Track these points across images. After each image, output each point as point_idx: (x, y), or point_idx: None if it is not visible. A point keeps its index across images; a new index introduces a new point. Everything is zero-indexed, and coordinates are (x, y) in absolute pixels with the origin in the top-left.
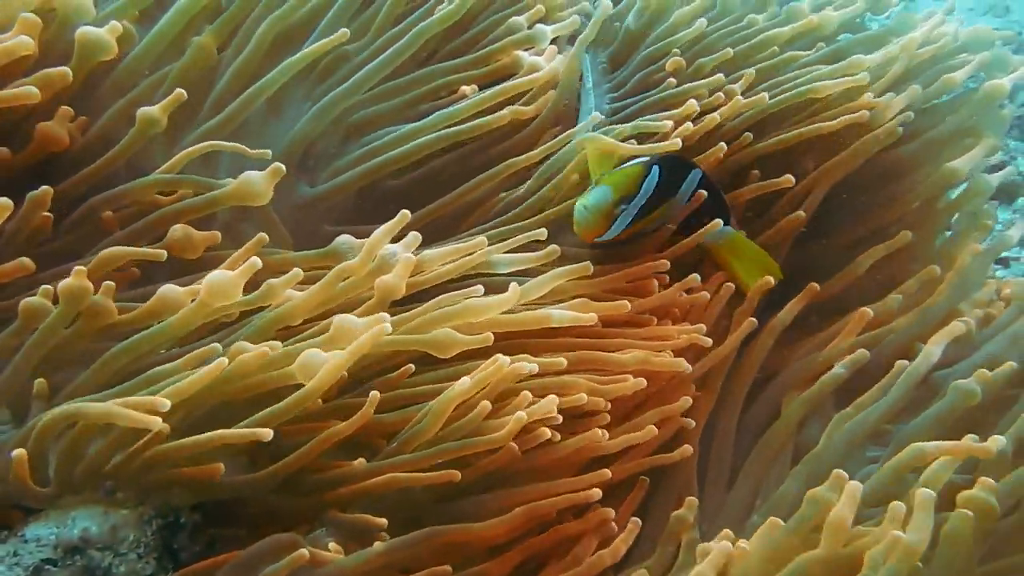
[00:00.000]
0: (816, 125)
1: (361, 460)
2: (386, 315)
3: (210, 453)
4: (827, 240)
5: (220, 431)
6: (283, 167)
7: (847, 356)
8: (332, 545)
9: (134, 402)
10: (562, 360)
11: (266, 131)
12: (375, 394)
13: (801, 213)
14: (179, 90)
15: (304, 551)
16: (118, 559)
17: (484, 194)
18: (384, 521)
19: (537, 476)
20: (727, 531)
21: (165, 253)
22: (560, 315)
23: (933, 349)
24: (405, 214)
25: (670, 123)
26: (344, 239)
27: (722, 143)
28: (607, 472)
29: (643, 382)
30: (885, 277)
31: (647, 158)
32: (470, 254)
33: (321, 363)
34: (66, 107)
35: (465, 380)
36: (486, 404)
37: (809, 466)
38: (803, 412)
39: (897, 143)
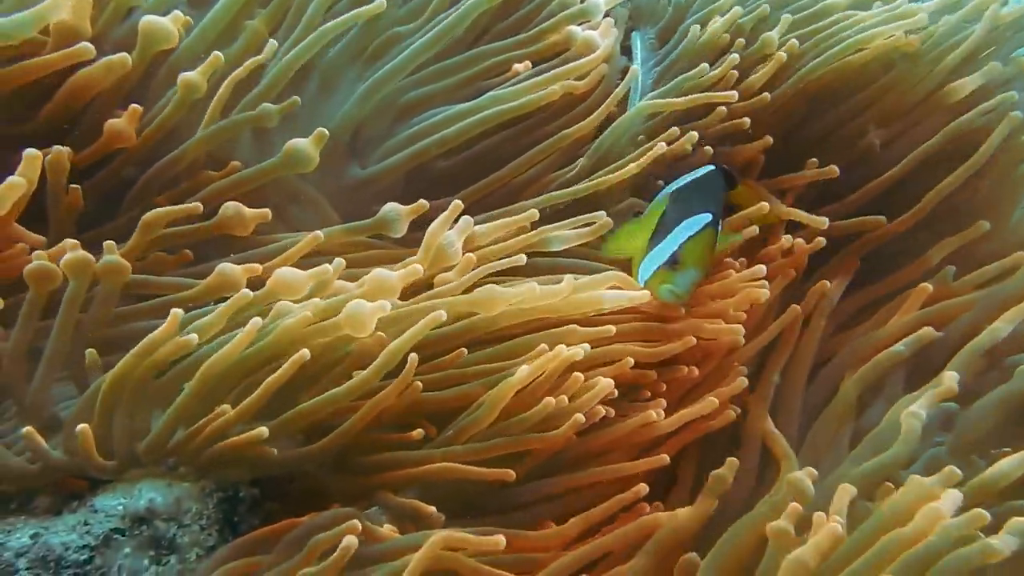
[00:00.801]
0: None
1: (419, 435)
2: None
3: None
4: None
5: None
6: (326, 132)
7: (908, 333)
8: (387, 525)
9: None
10: (611, 327)
11: (318, 112)
12: (414, 356)
13: (882, 218)
14: (216, 53)
15: (356, 522)
16: (182, 530)
17: (537, 172)
18: (432, 509)
19: (592, 460)
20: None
21: (200, 206)
22: (613, 296)
23: (1001, 326)
24: (458, 204)
25: (706, 67)
26: (391, 207)
27: (766, 94)
28: (665, 457)
29: (692, 340)
30: (957, 258)
31: (706, 214)
32: (523, 230)
33: (367, 313)
34: (136, 105)
35: (524, 368)
36: (549, 401)
37: (867, 448)
38: (859, 390)
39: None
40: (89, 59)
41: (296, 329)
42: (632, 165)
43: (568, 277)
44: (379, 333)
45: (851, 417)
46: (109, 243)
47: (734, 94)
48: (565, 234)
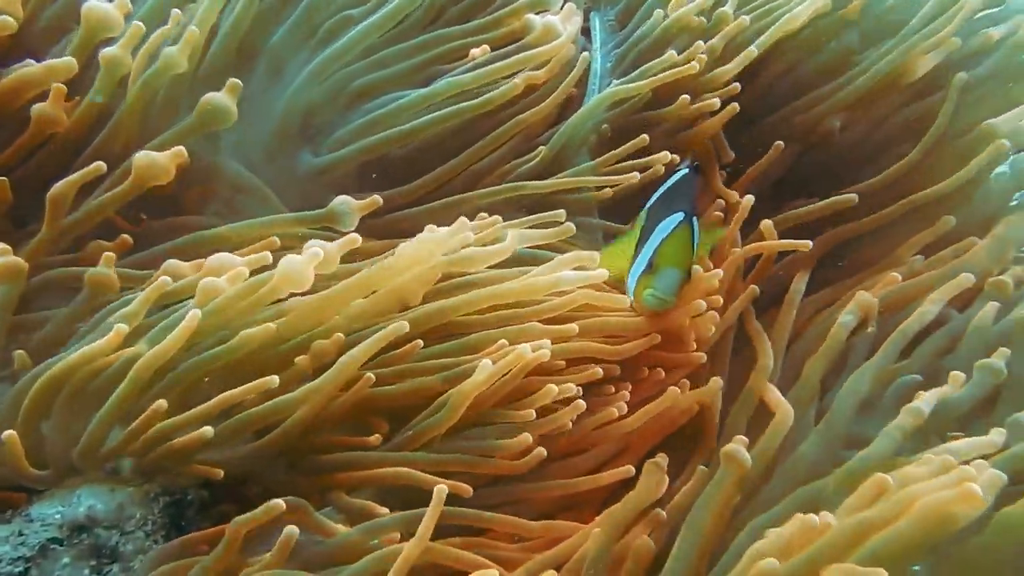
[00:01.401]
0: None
1: (376, 440)
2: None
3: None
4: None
5: (221, 396)
6: (239, 83)
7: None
8: (341, 524)
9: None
10: (574, 326)
11: (267, 97)
12: (362, 347)
13: (854, 197)
14: (137, 23)
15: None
16: (125, 537)
17: (494, 160)
18: (386, 510)
19: (555, 466)
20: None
21: (103, 165)
22: (572, 276)
23: (929, 308)
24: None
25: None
26: (342, 200)
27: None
28: (631, 469)
29: (657, 338)
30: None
31: (681, 214)
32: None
33: (301, 264)
34: (60, 85)
35: (486, 363)
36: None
37: (824, 429)
38: (823, 368)
39: (928, 92)
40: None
41: (230, 304)
42: (608, 189)
43: (510, 233)
44: (337, 334)
45: (816, 397)
46: (3, 246)
47: (695, 65)
48: (526, 233)
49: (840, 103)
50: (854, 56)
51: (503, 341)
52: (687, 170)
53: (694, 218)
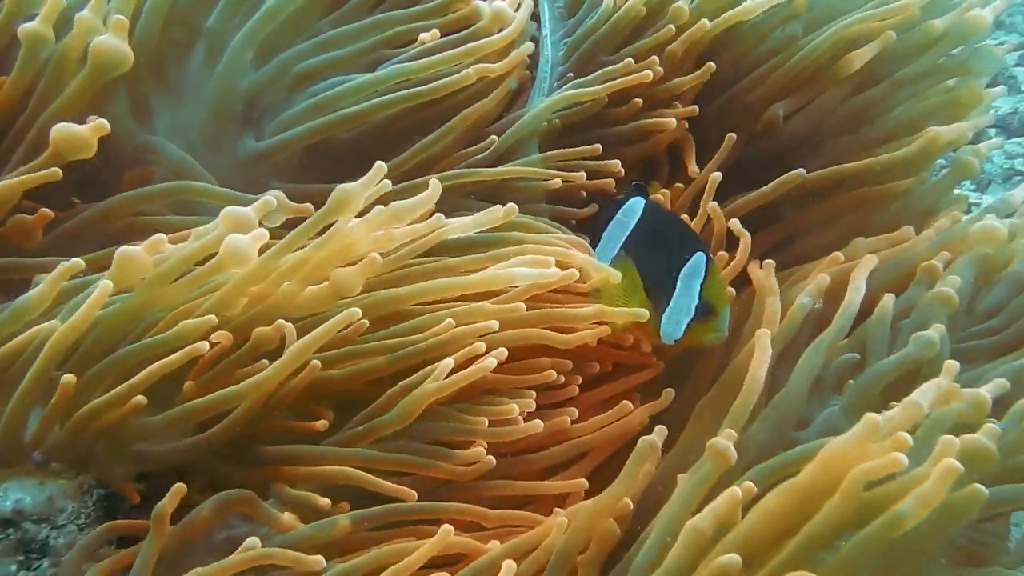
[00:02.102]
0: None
1: (322, 426)
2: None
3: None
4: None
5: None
6: (125, 20)
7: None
8: (287, 515)
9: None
10: (521, 305)
11: (204, 81)
12: (312, 336)
13: (802, 171)
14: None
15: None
16: (56, 531)
17: (447, 147)
18: (327, 501)
19: (506, 467)
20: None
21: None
22: (523, 274)
23: (858, 283)
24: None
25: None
26: (273, 196)
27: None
28: (584, 482)
29: (606, 329)
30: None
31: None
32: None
33: (245, 245)
34: None
35: (447, 362)
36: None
37: (774, 411)
38: (777, 350)
39: (868, 84)
40: None
41: (162, 282)
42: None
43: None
44: (279, 320)
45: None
46: None
47: (648, 74)
48: (465, 221)
49: (778, 84)
50: (796, 43)
51: (449, 321)
52: (637, 197)
53: (708, 254)
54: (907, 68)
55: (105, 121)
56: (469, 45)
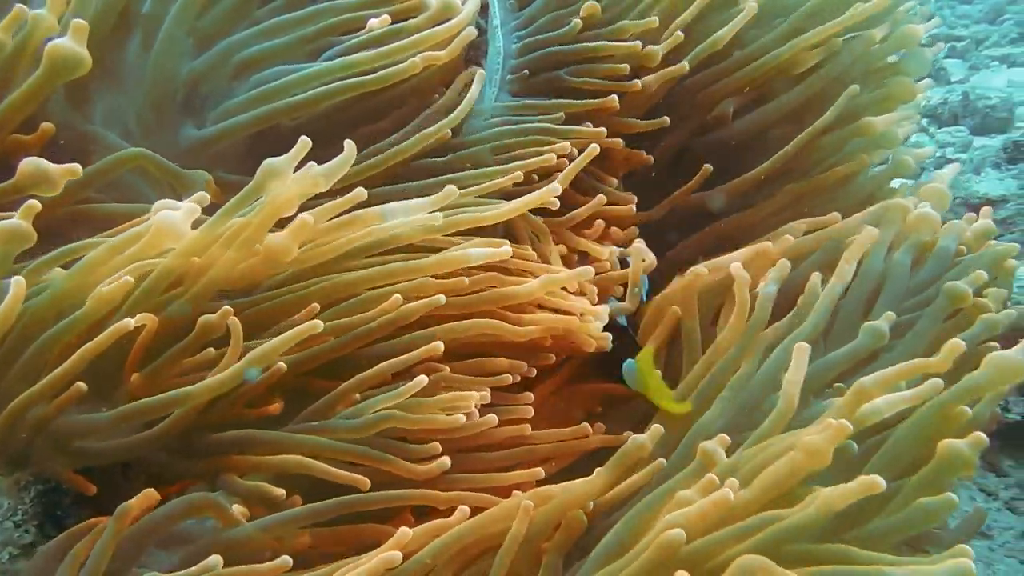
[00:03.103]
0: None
1: (276, 409)
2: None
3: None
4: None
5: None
6: (85, 23)
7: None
8: (236, 507)
9: None
10: (464, 279)
11: (142, 68)
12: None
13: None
14: None
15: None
16: None
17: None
18: (282, 492)
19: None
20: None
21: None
22: (478, 253)
23: (847, 267)
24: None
25: (553, 157)
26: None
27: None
28: (540, 471)
29: (564, 319)
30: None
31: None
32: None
33: (176, 222)
34: None
35: (419, 381)
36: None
37: (735, 393)
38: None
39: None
40: None
41: (95, 264)
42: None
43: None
44: (225, 306)
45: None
46: None
47: (614, 98)
48: (403, 205)
49: (732, 85)
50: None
51: (397, 297)
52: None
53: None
54: (849, 68)
55: (79, 166)
56: (416, 36)
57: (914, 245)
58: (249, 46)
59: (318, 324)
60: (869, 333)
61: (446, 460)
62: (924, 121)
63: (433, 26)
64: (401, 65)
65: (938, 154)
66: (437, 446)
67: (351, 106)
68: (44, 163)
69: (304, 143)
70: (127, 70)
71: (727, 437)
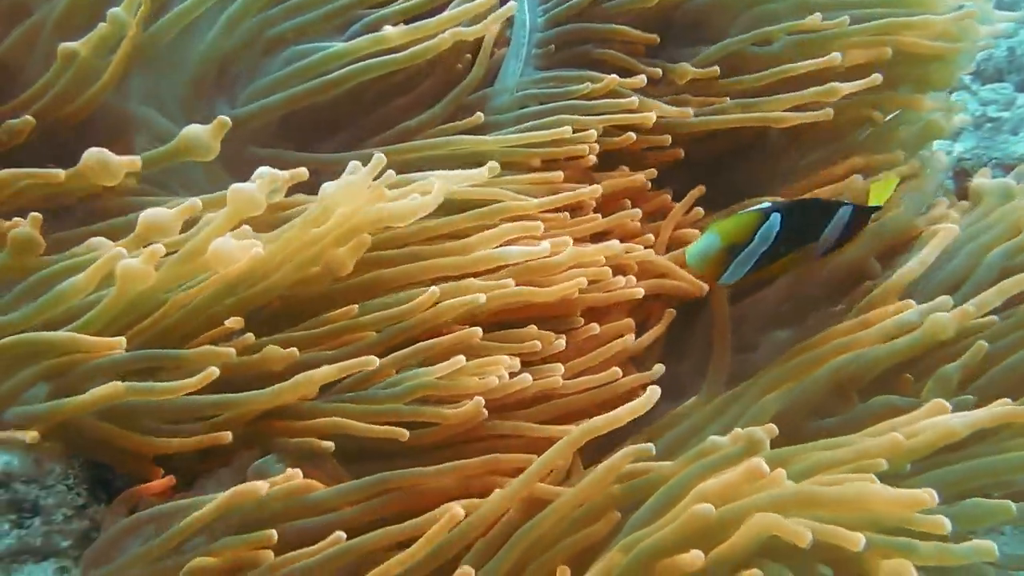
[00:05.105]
0: None
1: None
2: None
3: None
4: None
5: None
6: (228, 121)
7: None
8: (290, 470)
9: None
10: (510, 280)
11: (179, 46)
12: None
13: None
14: None
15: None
16: (45, 491)
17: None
18: (330, 445)
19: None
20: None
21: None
22: (516, 252)
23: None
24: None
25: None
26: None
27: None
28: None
29: (583, 281)
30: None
31: (768, 204)
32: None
33: (234, 250)
34: None
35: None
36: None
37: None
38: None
39: None
40: None
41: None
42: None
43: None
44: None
45: None
46: None
47: (642, 77)
48: (446, 174)
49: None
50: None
51: (434, 289)
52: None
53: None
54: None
55: (139, 159)
56: (447, 14)
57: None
58: (279, 23)
59: (373, 360)
60: (933, 324)
61: (480, 401)
62: (967, 78)
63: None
64: (431, 42)
65: (978, 112)
66: (479, 402)
67: (379, 81)
68: (107, 154)
69: (379, 160)
70: (162, 50)
71: (775, 428)
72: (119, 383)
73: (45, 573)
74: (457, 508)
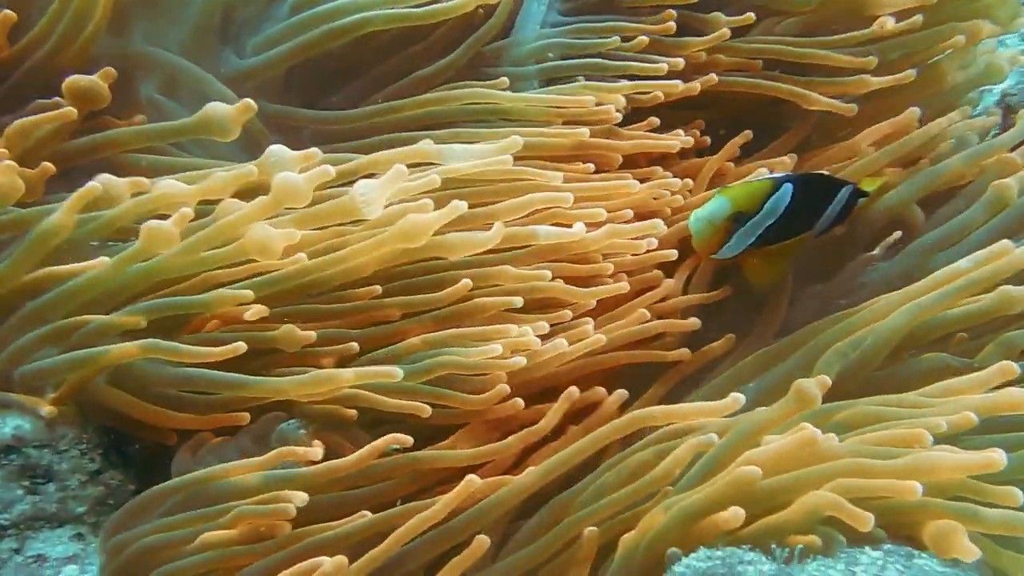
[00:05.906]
0: None
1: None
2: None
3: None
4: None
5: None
6: (254, 105)
7: None
8: (316, 441)
9: None
10: (547, 273)
11: None
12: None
13: None
14: None
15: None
16: (58, 456)
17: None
18: (354, 413)
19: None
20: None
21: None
22: (547, 232)
23: None
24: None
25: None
26: (276, 149)
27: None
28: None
29: (625, 286)
30: None
31: (781, 174)
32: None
33: (273, 237)
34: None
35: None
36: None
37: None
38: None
39: None
40: None
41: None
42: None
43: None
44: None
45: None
46: None
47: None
48: (465, 149)
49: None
50: None
51: (466, 281)
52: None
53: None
54: None
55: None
56: None
57: None
58: None
59: (396, 371)
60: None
61: (504, 387)
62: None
63: None
64: (452, 3)
65: (1022, 48)
66: (504, 386)
67: (389, 30)
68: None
69: (454, 207)
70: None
71: (828, 379)
72: (141, 341)
73: (61, 540)
74: (473, 477)
